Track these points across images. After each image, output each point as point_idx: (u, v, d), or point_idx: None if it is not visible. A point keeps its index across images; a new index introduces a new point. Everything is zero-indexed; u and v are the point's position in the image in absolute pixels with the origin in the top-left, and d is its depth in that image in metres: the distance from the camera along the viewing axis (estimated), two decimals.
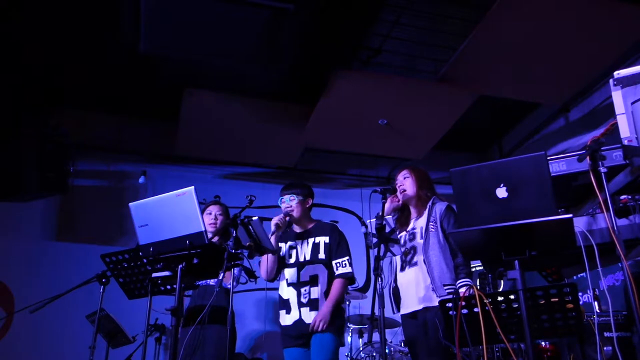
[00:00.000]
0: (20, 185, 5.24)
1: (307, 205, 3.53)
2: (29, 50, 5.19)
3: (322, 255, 3.38)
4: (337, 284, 3.31)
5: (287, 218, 3.41)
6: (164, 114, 6.20)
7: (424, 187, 3.36)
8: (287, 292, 3.41)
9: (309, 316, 3.28)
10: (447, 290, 3.03)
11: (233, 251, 2.80)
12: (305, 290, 3.34)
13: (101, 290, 3.60)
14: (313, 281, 3.34)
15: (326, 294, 3.31)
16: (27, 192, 5.33)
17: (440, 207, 3.27)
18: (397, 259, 3.35)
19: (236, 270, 3.38)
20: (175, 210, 2.57)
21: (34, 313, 3.84)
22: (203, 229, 2.52)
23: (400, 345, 4.71)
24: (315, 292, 3.32)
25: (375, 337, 4.29)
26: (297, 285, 3.37)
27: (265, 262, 3.40)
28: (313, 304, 3.29)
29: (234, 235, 2.94)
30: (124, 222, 5.86)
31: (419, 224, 3.30)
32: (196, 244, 2.52)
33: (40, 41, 5.09)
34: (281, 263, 3.48)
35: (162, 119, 6.35)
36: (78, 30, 5.01)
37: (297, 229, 3.55)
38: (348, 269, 3.34)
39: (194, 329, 3.13)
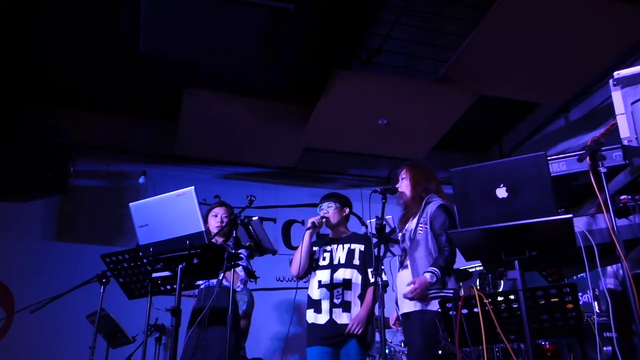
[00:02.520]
0: (20, 185, 5.24)
1: (344, 214, 3.62)
2: (29, 50, 5.19)
3: (357, 262, 3.47)
4: (372, 291, 3.37)
5: (324, 220, 3.50)
6: (164, 114, 6.20)
7: (418, 187, 3.31)
8: (318, 293, 3.46)
9: (341, 317, 3.34)
10: (431, 295, 3.00)
11: (233, 251, 2.80)
12: (338, 292, 3.40)
13: (101, 290, 3.59)
14: (346, 284, 3.42)
15: (360, 298, 3.38)
16: (27, 192, 5.32)
17: (432, 206, 3.21)
18: (396, 261, 3.36)
19: (242, 273, 3.36)
20: (175, 210, 2.57)
21: (34, 313, 3.83)
22: (203, 229, 2.52)
23: (400, 345, 4.71)
24: (349, 295, 3.39)
25: (376, 337, 4.28)
26: (330, 286, 3.43)
27: (298, 258, 3.46)
28: (346, 306, 3.36)
29: (234, 235, 2.94)
30: (124, 222, 5.86)
31: (411, 225, 3.28)
32: (196, 244, 2.52)
33: (40, 41, 5.09)
34: (312, 264, 3.54)
35: (162, 119, 6.35)
36: (78, 30, 5.00)
37: (332, 235, 3.63)
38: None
39: (195, 329, 3.13)
